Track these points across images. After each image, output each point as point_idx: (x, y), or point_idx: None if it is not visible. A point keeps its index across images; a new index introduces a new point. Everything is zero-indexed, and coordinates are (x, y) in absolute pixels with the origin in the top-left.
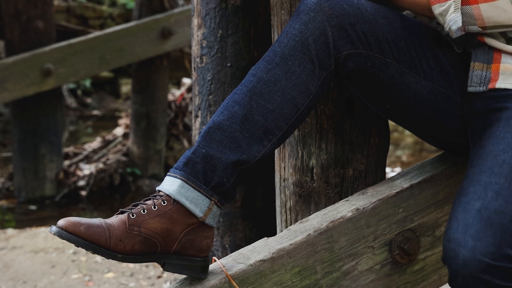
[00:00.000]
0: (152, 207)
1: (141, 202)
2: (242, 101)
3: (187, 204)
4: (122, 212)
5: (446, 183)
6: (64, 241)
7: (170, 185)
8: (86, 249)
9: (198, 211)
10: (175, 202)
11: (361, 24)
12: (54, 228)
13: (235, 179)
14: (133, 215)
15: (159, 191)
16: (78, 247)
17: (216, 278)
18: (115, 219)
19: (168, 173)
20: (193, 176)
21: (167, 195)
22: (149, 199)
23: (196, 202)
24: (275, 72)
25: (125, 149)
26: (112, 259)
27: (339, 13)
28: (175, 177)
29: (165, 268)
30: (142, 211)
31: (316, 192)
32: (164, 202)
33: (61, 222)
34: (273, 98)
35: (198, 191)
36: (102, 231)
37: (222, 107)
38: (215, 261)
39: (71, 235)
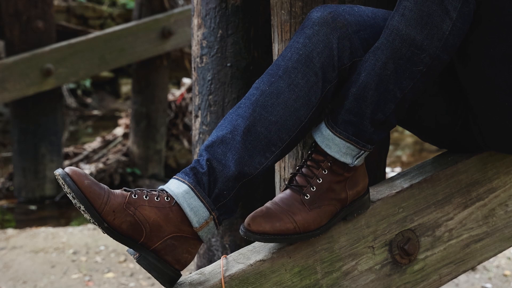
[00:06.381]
0: (155, 198)
1: (147, 189)
2: (245, 113)
3: (187, 210)
4: (126, 191)
5: (446, 183)
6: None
7: (176, 187)
8: (79, 204)
9: (195, 221)
10: (176, 204)
11: (363, 30)
12: (60, 170)
13: (236, 192)
14: (135, 195)
15: (163, 189)
16: (73, 198)
17: (216, 278)
18: (117, 191)
19: (174, 176)
20: (200, 186)
21: (171, 196)
22: (155, 191)
23: (197, 212)
24: (278, 84)
25: (125, 149)
26: (98, 225)
27: (342, 24)
28: (183, 182)
29: (138, 260)
30: (144, 196)
31: None
32: (167, 198)
33: (69, 169)
34: (276, 110)
35: (202, 201)
36: (102, 194)
37: (225, 121)
38: (225, 257)
39: (73, 183)
